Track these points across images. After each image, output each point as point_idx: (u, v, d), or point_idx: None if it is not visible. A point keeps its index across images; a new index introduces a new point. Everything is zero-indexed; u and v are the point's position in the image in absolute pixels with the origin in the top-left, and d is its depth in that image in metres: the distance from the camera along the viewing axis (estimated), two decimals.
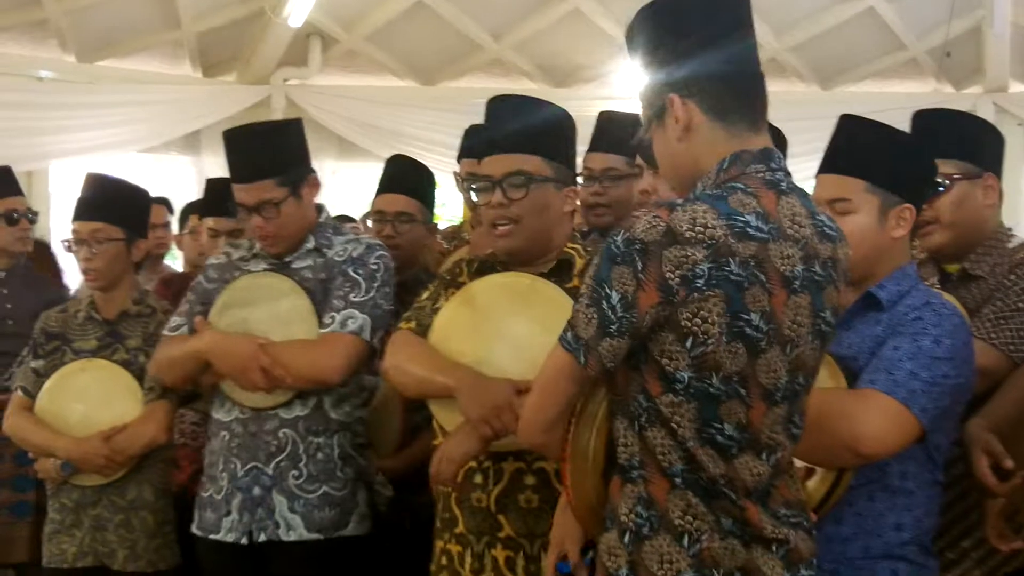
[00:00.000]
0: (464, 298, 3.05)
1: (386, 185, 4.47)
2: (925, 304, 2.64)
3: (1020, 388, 2.76)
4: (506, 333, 2.96)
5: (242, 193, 3.49)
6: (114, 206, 3.93)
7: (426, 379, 2.99)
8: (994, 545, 2.82)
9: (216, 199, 4.69)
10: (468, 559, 3.01)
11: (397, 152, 4.94)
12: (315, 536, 3.44)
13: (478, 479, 2.99)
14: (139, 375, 3.86)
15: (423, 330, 3.07)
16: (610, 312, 2.07)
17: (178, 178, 9.00)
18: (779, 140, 3.13)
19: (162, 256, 6.12)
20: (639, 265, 2.05)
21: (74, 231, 3.91)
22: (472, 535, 3.00)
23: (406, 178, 4.48)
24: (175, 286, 4.77)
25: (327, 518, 3.46)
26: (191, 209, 5.39)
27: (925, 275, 3.25)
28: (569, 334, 2.14)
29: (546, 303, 2.90)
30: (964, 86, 9.53)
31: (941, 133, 3.19)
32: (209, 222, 4.72)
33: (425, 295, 3.19)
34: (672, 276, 2.04)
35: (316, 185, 3.60)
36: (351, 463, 3.52)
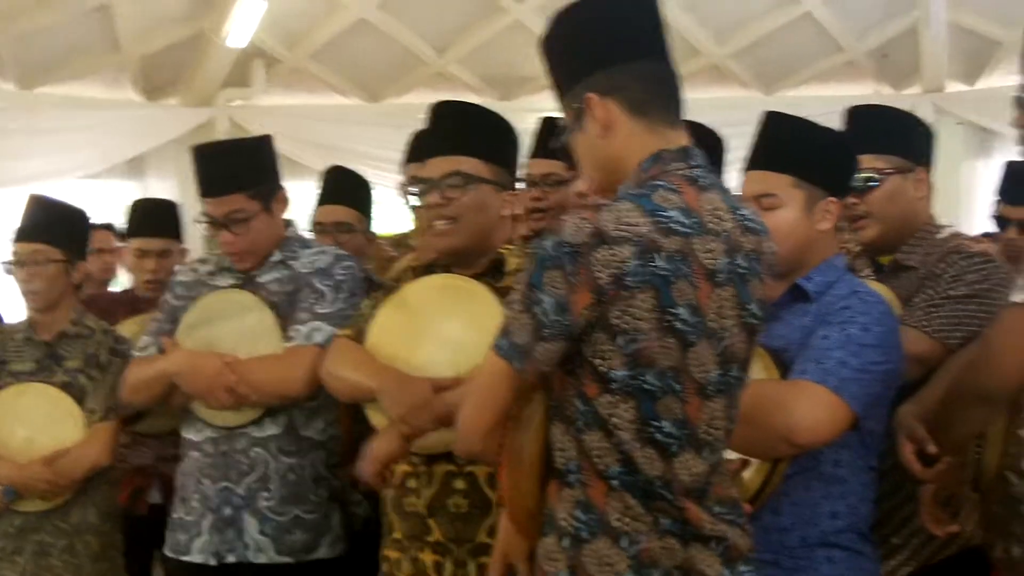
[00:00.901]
0: (398, 301, 3.07)
1: (324, 196, 4.50)
2: (852, 293, 2.67)
3: (950, 375, 2.79)
4: (437, 334, 2.99)
5: (211, 207, 3.45)
6: (54, 228, 3.91)
7: (355, 383, 3.04)
8: (930, 530, 2.85)
9: (141, 220, 4.70)
10: (404, 564, 3.01)
11: None
12: (285, 559, 3.40)
13: (412, 483, 3.00)
14: (79, 397, 3.82)
15: (360, 336, 3.10)
16: (543, 316, 2.07)
17: (123, 203, 8.90)
18: (716, 144, 3.16)
19: (107, 282, 6.07)
20: (569, 268, 2.06)
21: (14, 252, 3.89)
22: (407, 540, 3.01)
23: (343, 188, 4.51)
24: (97, 306, 4.74)
25: (298, 541, 3.41)
26: None
27: (859, 267, 3.30)
28: (504, 341, 2.14)
29: (476, 303, 2.93)
30: (903, 87, 9.63)
31: (873, 128, 3.23)
32: (135, 243, 4.70)
33: (367, 302, 3.21)
34: (602, 276, 2.05)
35: (286, 200, 3.59)
36: (324, 484, 3.48)
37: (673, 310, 2.08)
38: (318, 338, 3.34)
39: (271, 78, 9.28)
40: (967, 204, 9.13)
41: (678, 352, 2.10)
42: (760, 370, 2.49)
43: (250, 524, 3.39)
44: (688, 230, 2.11)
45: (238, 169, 3.49)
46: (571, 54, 2.29)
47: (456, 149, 3.02)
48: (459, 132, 3.05)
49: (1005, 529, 2.72)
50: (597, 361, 2.09)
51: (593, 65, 2.25)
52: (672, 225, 2.10)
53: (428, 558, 2.96)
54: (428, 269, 3.13)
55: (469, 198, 2.98)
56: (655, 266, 2.07)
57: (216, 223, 3.45)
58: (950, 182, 8.92)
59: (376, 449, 2.95)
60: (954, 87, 9.64)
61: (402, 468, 3.02)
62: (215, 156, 3.59)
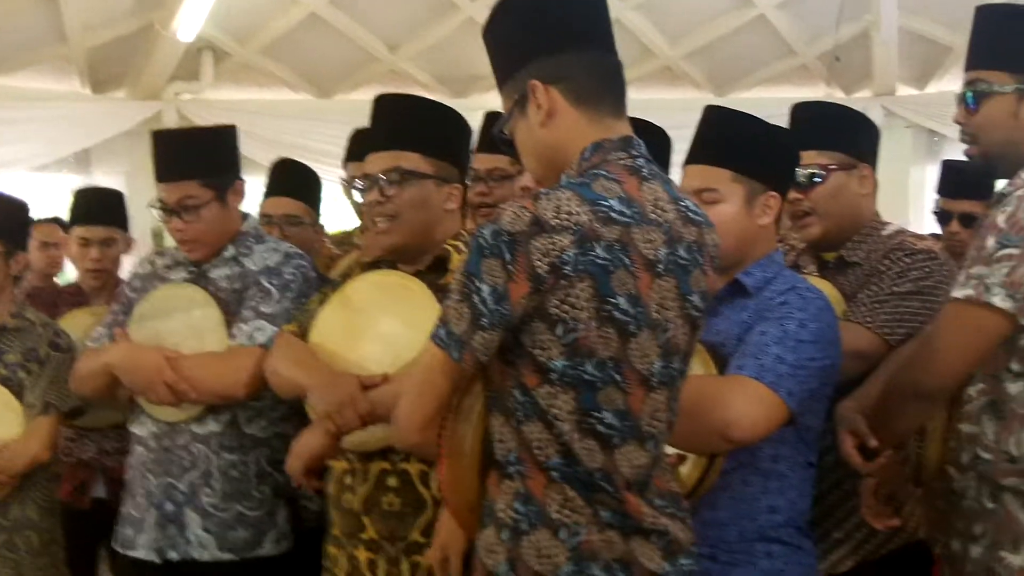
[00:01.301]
0: (341, 298, 3.06)
1: (272, 188, 4.47)
2: (790, 289, 2.67)
3: (890, 370, 2.80)
4: (375, 331, 2.97)
5: (164, 192, 3.42)
6: None
7: (288, 379, 3.03)
8: (871, 524, 2.86)
9: (84, 208, 4.65)
10: (342, 561, 3.00)
11: None
12: (228, 556, 3.36)
13: (348, 480, 2.98)
14: (18, 391, 3.77)
15: (304, 332, 3.09)
16: (481, 305, 2.05)
17: (69, 196, 8.82)
18: (663, 142, 3.15)
19: (52, 275, 6.00)
20: (508, 256, 2.04)
21: None
22: (344, 537, 2.99)
23: (291, 181, 4.48)
24: (39, 299, 4.70)
25: (240, 538, 3.37)
26: None
27: (804, 263, 3.31)
28: (442, 330, 2.11)
29: (412, 300, 2.91)
30: (854, 90, 9.69)
31: (817, 125, 3.25)
32: (77, 231, 4.63)
33: (315, 298, 3.19)
34: (541, 265, 2.03)
35: (242, 193, 3.55)
36: (268, 481, 3.43)
37: (612, 299, 2.07)
38: (260, 338, 3.30)
39: (220, 72, 9.22)
40: (916, 206, 9.21)
41: (618, 342, 2.09)
42: (698, 365, 2.49)
43: (192, 520, 3.36)
44: (628, 219, 2.10)
45: (195, 156, 3.46)
46: (514, 41, 2.27)
47: (396, 144, 2.98)
48: (399, 127, 3.01)
49: (946, 523, 2.73)
50: (536, 351, 2.08)
51: (536, 52, 2.23)
52: (612, 214, 2.09)
53: (363, 556, 2.95)
54: (374, 265, 3.11)
55: (408, 194, 2.95)
56: (594, 255, 2.05)
57: (168, 209, 3.42)
58: (899, 185, 9.02)
59: (300, 445, 2.94)
60: (904, 91, 9.72)
61: (340, 465, 3.01)
62: (173, 142, 3.57)
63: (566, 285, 2.04)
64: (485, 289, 2.05)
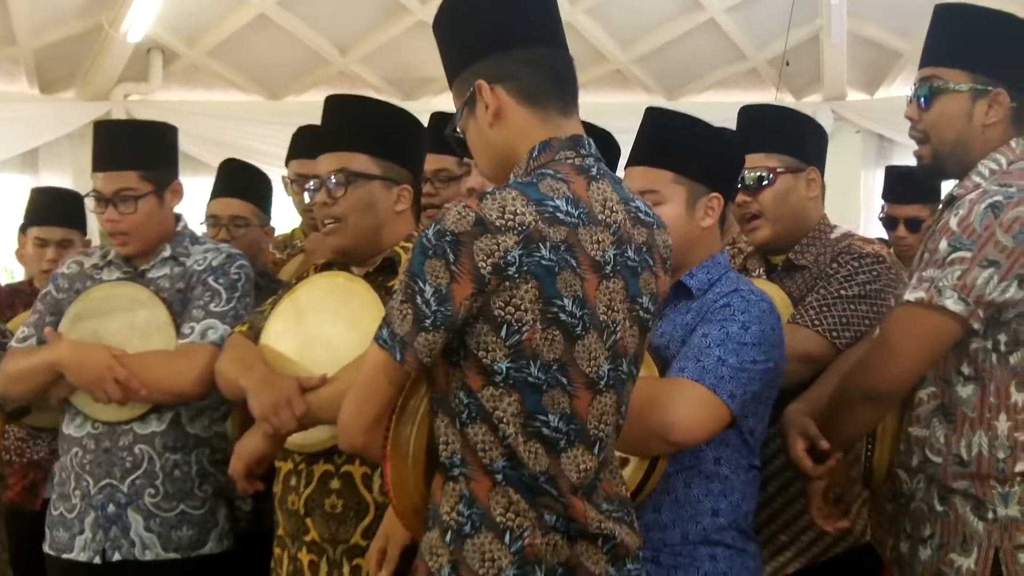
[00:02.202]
0: (291, 299, 3.06)
1: (219, 190, 4.43)
2: (733, 291, 2.67)
3: (840, 372, 2.80)
4: (320, 332, 2.96)
5: (101, 181, 3.40)
6: None
7: (229, 380, 3.01)
8: (820, 526, 2.87)
9: (41, 208, 4.58)
10: (285, 561, 2.99)
11: None
12: (172, 556, 3.35)
13: (293, 481, 2.97)
14: None
15: (256, 333, 3.08)
16: (424, 306, 2.03)
17: (16, 197, 8.73)
18: (611, 147, 3.14)
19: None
20: (451, 257, 2.02)
21: None
22: (288, 538, 2.98)
23: (239, 182, 4.45)
24: None
25: (184, 537, 3.37)
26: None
27: (752, 266, 3.31)
28: (384, 331, 2.09)
29: (356, 301, 2.90)
30: (804, 95, 9.73)
31: (765, 128, 3.26)
32: (35, 232, 4.58)
33: (269, 300, 3.17)
34: (484, 266, 2.01)
35: (179, 193, 3.53)
36: (210, 480, 3.43)
37: (557, 301, 2.05)
38: (212, 336, 3.30)
39: (169, 73, 9.13)
40: (867, 211, 9.25)
41: (564, 345, 2.07)
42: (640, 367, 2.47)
43: (136, 521, 3.34)
44: (575, 220, 2.09)
45: (136, 148, 3.44)
46: (461, 39, 2.27)
47: (344, 145, 2.98)
48: (348, 128, 3.00)
49: (895, 526, 2.74)
50: (481, 353, 2.06)
51: (482, 51, 2.22)
52: (558, 214, 2.07)
53: (305, 557, 2.93)
54: (327, 267, 3.10)
55: (354, 196, 2.94)
56: (539, 256, 2.04)
57: (103, 199, 3.38)
58: (849, 189, 9.07)
59: (241, 447, 2.92)
60: (854, 96, 9.76)
61: (286, 466, 3.00)
62: (115, 132, 3.56)
63: (510, 286, 2.03)
64: (428, 290, 2.03)
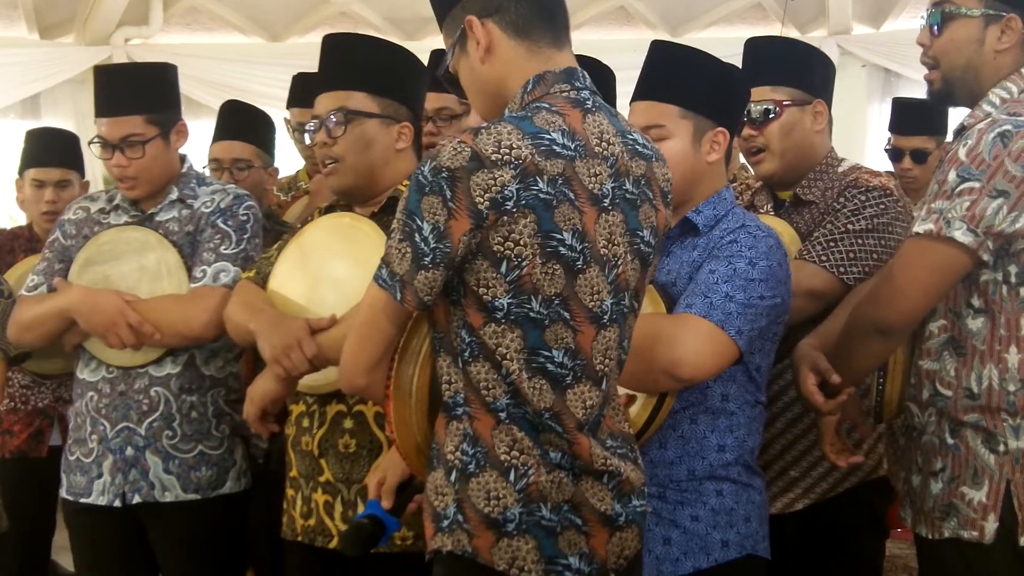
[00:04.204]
0: (297, 242, 3.04)
1: (220, 132, 4.41)
2: (740, 227, 2.65)
3: (850, 308, 2.78)
4: (329, 274, 2.95)
5: (106, 127, 3.36)
6: None
7: (239, 324, 3.00)
8: (831, 462, 2.85)
9: (36, 150, 4.56)
10: (299, 503, 2.99)
11: None
12: (192, 496, 3.35)
13: (306, 422, 2.96)
14: None
15: (263, 278, 3.06)
16: (423, 244, 2.01)
17: (17, 143, 8.70)
18: (606, 77, 3.10)
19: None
20: (448, 193, 2.00)
21: None
22: (302, 479, 2.98)
23: (240, 124, 4.43)
24: None
25: (204, 478, 3.37)
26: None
27: (760, 203, 3.28)
28: (384, 271, 2.08)
29: (364, 241, 2.87)
30: (809, 29, 9.67)
31: (771, 60, 3.22)
32: (32, 173, 4.54)
33: (276, 245, 3.16)
34: (482, 200, 1.99)
35: (184, 133, 3.50)
36: (226, 420, 3.42)
37: (556, 235, 2.04)
38: (224, 279, 3.28)
39: (169, 16, 9.10)
40: (873, 145, 9.21)
41: (564, 279, 2.06)
42: (647, 304, 2.47)
43: (155, 464, 3.34)
44: (571, 153, 2.07)
45: (139, 92, 3.40)
46: None
47: (342, 84, 2.95)
48: (346, 66, 2.97)
49: (907, 459, 2.73)
50: (481, 290, 2.05)
51: None
52: (554, 147, 2.05)
53: (319, 497, 2.93)
54: (331, 209, 3.08)
55: (353, 135, 2.91)
56: (536, 190, 2.02)
57: (109, 145, 3.36)
58: (855, 123, 9.02)
59: (253, 390, 2.91)
60: (860, 30, 9.70)
61: (299, 408, 2.99)
62: (117, 77, 3.50)
63: (508, 221, 2.01)
64: (426, 227, 2.01)
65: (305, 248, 3.01)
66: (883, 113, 9.21)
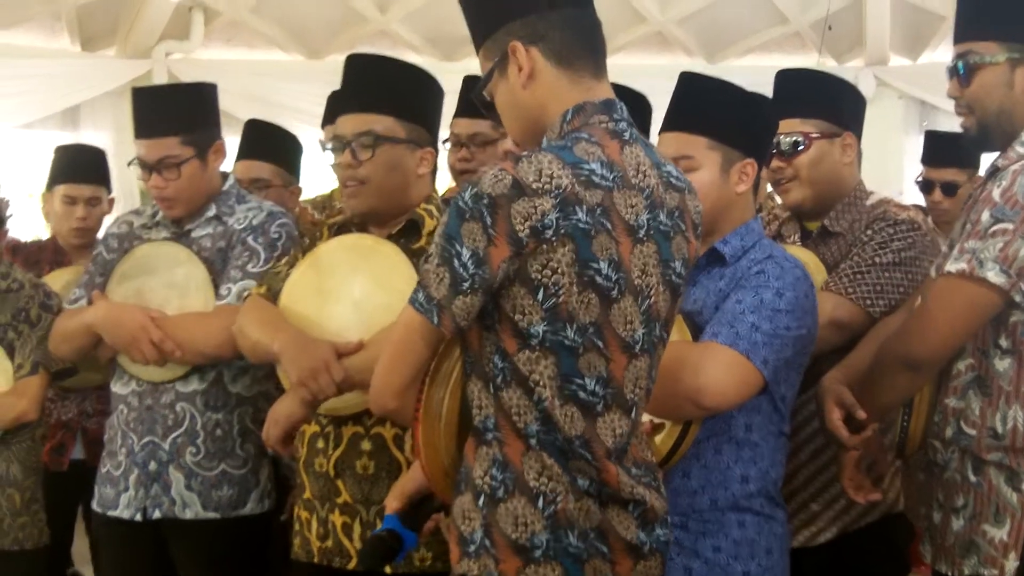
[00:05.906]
0: (311, 261, 3.04)
1: (241, 152, 4.44)
2: (767, 257, 2.66)
3: (878, 342, 2.80)
4: (346, 294, 2.95)
5: (143, 149, 3.40)
6: None
7: (259, 343, 2.99)
8: (851, 497, 2.87)
9: (67, 165, 4.60)
10: (314, 524, 2.99)
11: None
12: (212, 515, 3.37)
13: (320, 444, 2.97)
14: (9, 351, 3.75)
15: (274, 294, 3.06)
16: (461, 269, 2.03)
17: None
18: (643, 108, 3.13)
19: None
20: (488, 220, 2.02)
21: None
22: (316, 500, 2.99)
23: (260, 143, 4.46)
24: (22, 254, 4.66)
25: (224, 497, 3.38)
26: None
27: (787, 233, 3.30)
28: (420, 294, 2.09)
29: (382, 262, 2.89)
30: (846, 59, 9.64)
31: (801, 92, 3.24)
32: (63, 189, 4.59)
33: (284, 260, 3.16)
34: (522, 228, 2.01)
35: (222, 152, 3.53)
36: (251, 439, 3.43)
37: (593, 264, 2.05)
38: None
39: (210, 31, 9.12)
40: (909, 177, 9.15)
41: (599, 307, 2.07)
42: (674, 332, 2.46)
43: (177, 479, 3.36)
44: (609, 183, 2.09)
45: (175, 113, 3.43)
46: (491, 1, 2.25)
47: (368, 107, 2.96)
48: (372, 88, 2.98)
49: (927, 495, 2.74)
50: (516, 316, 2.06)
51: (514, 12, 2.20)
52: (593, 178, 2.07)
53: (338, 519, 2.94)
54: (343, 228, 3.08)
55: (379, 158, 2.92)
56: (576, 219, 2.04)
57: (147, 166, 3.39)
58: (891, 155, 8.99)
59: (275, 412, 2.92)
60: (897, 61, 9.67)
61: (312, 428, 3.00)
62: (154, 98, 3.55)
63: (547, 249, 2.03)
64: (465, 253, 2.03)
65: (321, 266, 3.01)
66: (919, 145, 9.16)
